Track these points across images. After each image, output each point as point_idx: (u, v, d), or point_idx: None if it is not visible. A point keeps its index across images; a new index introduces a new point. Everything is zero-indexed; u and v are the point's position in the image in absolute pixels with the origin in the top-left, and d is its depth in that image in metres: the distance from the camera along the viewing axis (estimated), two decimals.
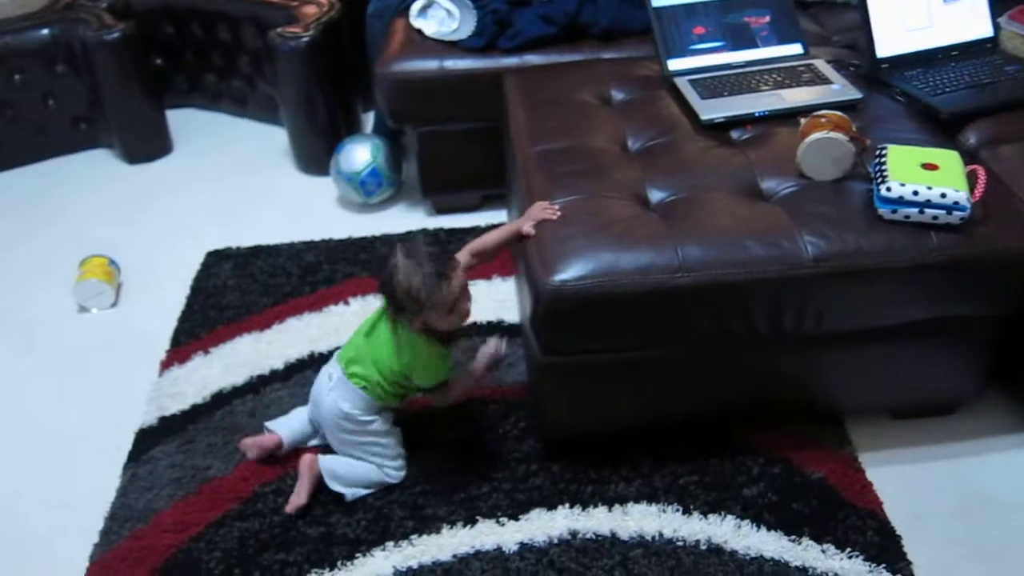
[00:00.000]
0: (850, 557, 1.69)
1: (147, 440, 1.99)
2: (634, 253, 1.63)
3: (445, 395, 1.82)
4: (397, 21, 2.59)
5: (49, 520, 1.86)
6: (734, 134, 1.98)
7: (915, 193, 1.62)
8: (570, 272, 1.60)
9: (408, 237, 2.57)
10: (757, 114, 1.99)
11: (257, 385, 2.11)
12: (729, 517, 1.76)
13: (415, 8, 2.53)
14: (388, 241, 2.56)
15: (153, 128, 3.10)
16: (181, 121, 3.25)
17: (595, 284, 1.59)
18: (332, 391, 1.80)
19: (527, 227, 1.75)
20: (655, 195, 1.81)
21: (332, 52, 2.82)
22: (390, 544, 1.74)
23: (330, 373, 1.83)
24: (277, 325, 2.29)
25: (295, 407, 2.03)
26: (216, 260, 2.53)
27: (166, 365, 2.19)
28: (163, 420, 2.03)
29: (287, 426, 1.93)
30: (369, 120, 3.00)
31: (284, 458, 1.91)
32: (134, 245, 2.64)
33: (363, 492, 1.83)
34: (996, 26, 2.25)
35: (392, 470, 1.84)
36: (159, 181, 2.99)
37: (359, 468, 1.82)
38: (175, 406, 2.07)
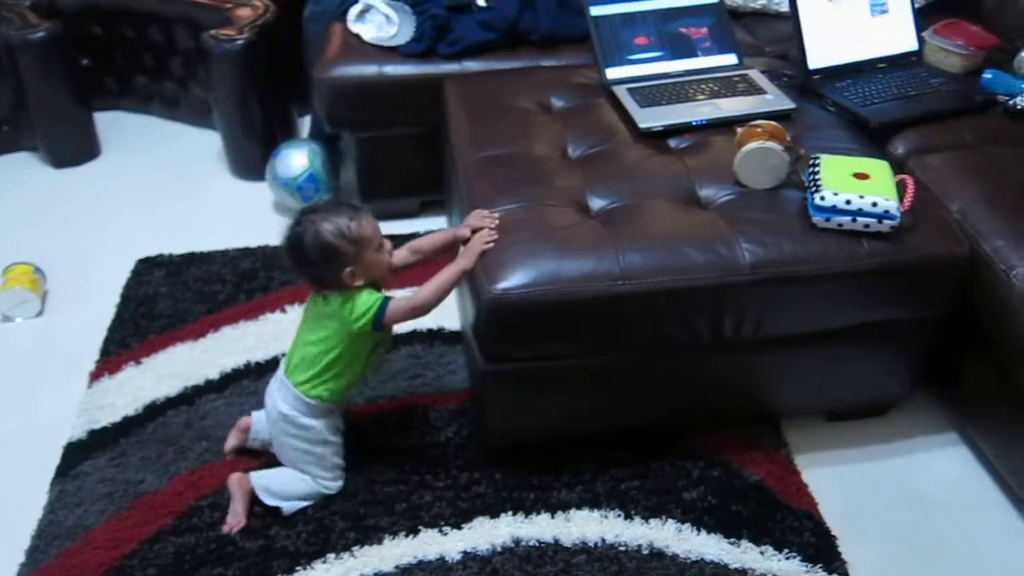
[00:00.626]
0: (787, 558, 1.72)
1: (76, 454, 1.92)
2: (576, 261, 1.63)
3: (432, 290, 1.69)
4: (335, 25, 2.56)
5: None
6: (672, 142, 2.00)
7: (848, 202, 1.67)
8: (512, 280, 1.60)
9: None
10: (695, 123, 2.02)
11: (192, 396, 2.06)
12: (670, 521, 1.78)
13: (353, 12, 2.50)
14: None
15: (80, 131, 3.00)
16: (110, 124, 3.15)
17: (537, 292, 1.60)
18: (276, 391, 1.78)
19: (464, 231, 1.76)
20: (596, 202, 1.82)
21: (268, 55, 2.77)
22: (331, 556, 1.71)
23: (276, 376, 1.81)
24: (212, 334, 2.23)
25: (232, 417, 1.99)
26: (147, 267, 2.47)
27: (96, 376, 2.12)
28: (93, 433, 1.97)
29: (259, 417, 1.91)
30: (306, 125, 2.96)
31: (222, 469, 1.87)
32: (61, 252, 2.56)
33: (300, 504, 1.80)
34: (921, 40, 2.33)
35: (327, 481, 1.80)
36: (87, 186, 2.90)
37: (293, 479, 1.79)
38: (106, 418, 2.00)
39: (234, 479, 1.79)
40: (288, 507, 1.78)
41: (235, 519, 1.76)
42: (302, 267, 1.69)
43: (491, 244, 1.69)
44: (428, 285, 1.69)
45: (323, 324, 1.71)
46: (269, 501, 1.78)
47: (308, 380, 1.73)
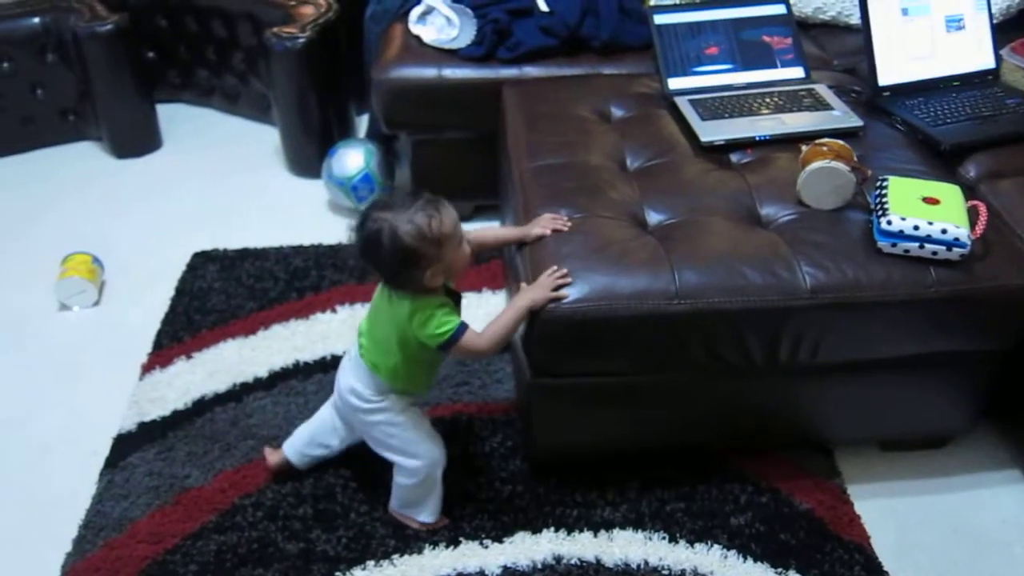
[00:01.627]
0: None
1: (125, 446, 1.94)
2: (631, 277, 1.60)
3: (499, 334, 1.57)
4: (395, 26, 2.56)
5: (21, 526, 1.81)
6: (734, 157, 1.96)
7: (916, 228, 1.61)
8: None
9: None
10: (758, 138, 1.98)
11: (240, 393, 2.07)
12: (716, 547, 1.74)
13: (414, 14, 2.50)
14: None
15: (143, 122, 3.05)
16: (171, 116, 3.20)
17: (590, 308, 1.57)
18: (346, 368, 1.70)
19: (533, 232, 1.72)
20: (653, 217, 1.79)
21: (328, 54, 2.78)
22: (371, 563, 1.70)
23: (348, 350, 1.73)
24: (262, 331, 2.25)
25: (278, 416, 2.00)
26: (202, 261, 2.49)
27: (147, 369, 2.14)
28: (142, 426, 1.99)
29: (290, 445, 1.87)
30: (363, 124, 2.97)
31: (263, 471, 1.87)
32: (119, 242, 2.59)
33: (433, 503, 1.75)
34: (998, 58, 2.25)
35: (430, 453, 1.69)
36: (147, 177, 2.94)
37: (408, 487, 1.72)
38: (155, 411, 2.02)
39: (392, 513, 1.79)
40: (427, 517, 1.76)
41: (431, 527, 1.76)
42: (376, 267, 1.55)
43: (567, 283, 1.60)
44: (495, 326, 1.58)
45: (392, 326, 1.59)
46: (414, 516, 1.76)
47: (384, 369, 1.64)
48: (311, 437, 1.85)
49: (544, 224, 1.72)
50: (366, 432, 1.73)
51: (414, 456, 1.69)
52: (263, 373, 2.12)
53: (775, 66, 2.19)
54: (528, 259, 1.69)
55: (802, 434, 1.90)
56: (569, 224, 1.71)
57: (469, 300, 2.17)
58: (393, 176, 2.74)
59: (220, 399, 2.05)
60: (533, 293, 1.60)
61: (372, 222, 1.50)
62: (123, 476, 1.88)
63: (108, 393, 2.09)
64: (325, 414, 1.84)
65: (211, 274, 2.44)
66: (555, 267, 1.62)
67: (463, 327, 1.56)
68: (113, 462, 1.91)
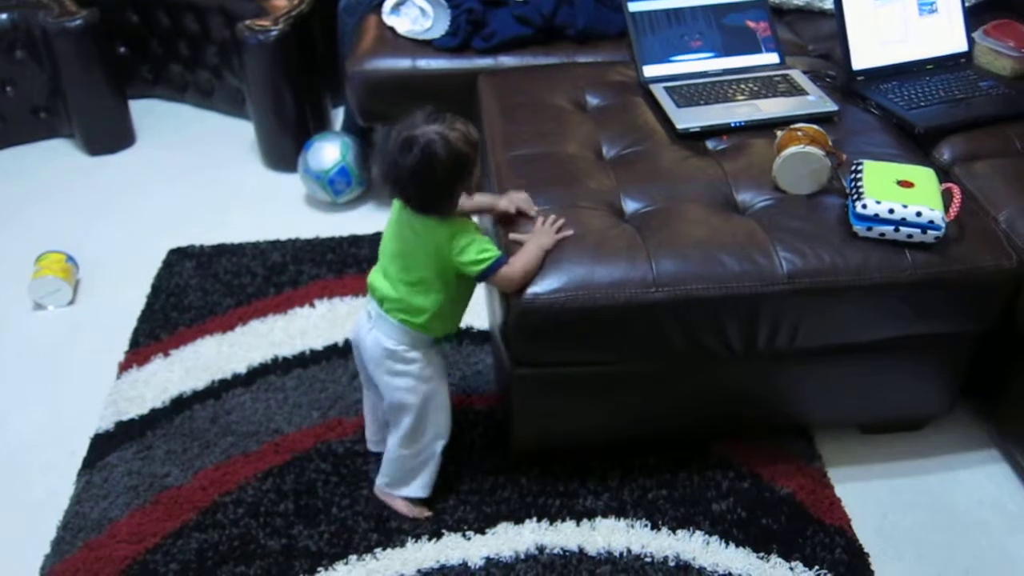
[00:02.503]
0: (818, 575, 1.68)
1: (103, 445, 1.93)
2: (608, 267, 1.60)
3: (513, 270, 1.56)
4: (369, 17, 2.54)
5: None
6: (710, 144, 1.96)
7: (891, 211, 1.61)
8: (543, 285, 1.57)
9: (377, 238, 2.51)
10: (733, 124, 1.97)
11: (218, 390, 2.05)
12: (698, 533, 1.75)
13: (388, 5, 2.48)
14: (355, 240, 2.52)
15: (115, 119, 3.01)
16: (145, 112, 3.17)
17: (568, 298, 1.56)
18: (373, 329, 1.65)
19: (502, 205, 1.71)
20: (630, 205, 1.78)
21: (301, 47, 2.76)
22: (353, 558, 1.70)
23: (368, 311, 1.67)
24: (240, 327, 2.23)
25: (258, 413, 1.99)
26: (178, 258, 2.47)
27: (124, 367, 2.12)
28: (120, 425, 1.97)
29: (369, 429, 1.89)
30: (339, 116, 2.94)
31: (246, 466, 1.86)
32: (93, 241, 2.57)
33: (426, 477, 1.75)
34: (971, 41, 2.25)
35: (429, 435, 1.70)
36: (121, 174, 2.91)
37: (405, 457, 1.72)
38: (133, 410, 2.01)
39: (378, 494, 1.80)
40: (419, 492, 1.76)
41: (415, 511, 1.77)
42: (425, 184, 1.50)
43: (563, 227, 1.65)
44: (522, 260, 1.57)
45: (428, 258, 1.56)
46: (404, 493, 1.76)
47: (419, 315, 1.60)
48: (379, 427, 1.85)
49: (512, 200, 1.72)
50: (390, 387, 1.67)
51: (424, 420, 1.68)
52: (242, 369, 2.10)
53: (742, 53, 2.18)
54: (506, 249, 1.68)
55: (782, 419, 1.91)
56: (536, 211, 1.70)
57: None
58: (370, 169, 2.72)
59: (199, 396, 2.04)
60: (539, 239, 1.61)
61: (422, 135, 1.47)
62: (102, 476, 1.86)
63: (85, 392, 2.07)
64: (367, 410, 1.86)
65: (187, 271, 2.42)
66: (545, 216, 1.66)
67: (504, 257, 1.56)
68: (91, 462, 1.89)
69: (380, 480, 1.79)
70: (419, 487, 1.75)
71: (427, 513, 1.78)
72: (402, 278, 1.60)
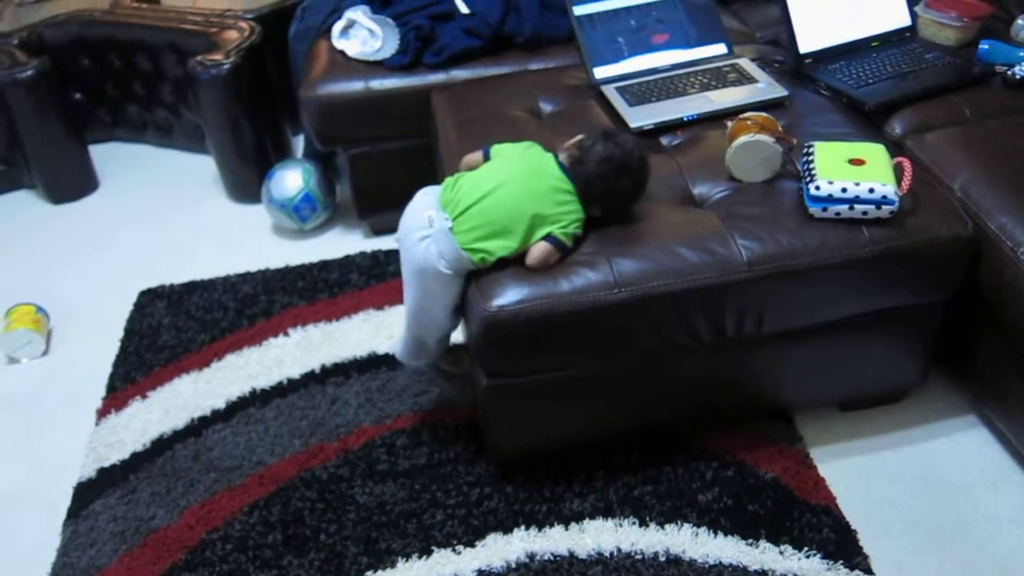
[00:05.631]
0: (808, 556, 1.69)
1: (87, 494, 1.92)
2: (570, 272, 1.60)
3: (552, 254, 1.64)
4: (319, 43, 2.54)
5: None
6: (664, 140, 1.97)
7: (843, 190, 1.63)
8: (507, 296, 1.58)
9: (346, 261, 2.52)
10: (686, 118, 1.99)
11: (199, 427, 2.05)
12: (686, 525, 1.75)
13: (336, 29, 2.48)
14: (325, 265, 2.52)
15: (77, 165, 3.00)
16: (106, 155, 3.16)
17: (533, 307, 1.57)
18: (430, 240, 1.64)
19: None
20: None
21: (256, 77, 2.76)
22: None
23: (430, 217, 1.65)
24: (216, 362, 2.23)
25: (240, 447, 1.98)
26: (150, 299, 2.46)
27: (103, 413, 2.11)
28: (102, 471, 1.96)
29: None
30: (300, 144, 2.95)
31: (231, 501, 1.86)
32: (63, 289, 2.56)
33: (408, 348, 1.90)
34: (913, 15, 2.28)
35: (447, 324, 1.80)
36: (86, 220, 2.90)
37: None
38: (114, 456, 2.00)
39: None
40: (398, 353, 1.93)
41: (456, 368, 2.01)
42: (639, 185, 1.70)
43: None
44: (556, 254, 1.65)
45: (551, 199, 1.64)
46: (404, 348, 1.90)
47: (486, 250, 1.62)
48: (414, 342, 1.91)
49: None
50: (429, 292, 1.71)
51: (440, 308, 1.74)
52: (220, 405, 2.10)
53: (690, 46, 2.19)
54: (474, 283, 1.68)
55: (761, 404, 1.92)
56: None
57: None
58: (334, 193, 2.73)
59: (179, 435, 2.03)
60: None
61: (630, 144, 1.68)
62: (87, 524, 1.85)
63: (65, 442, 2.06)
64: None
65: (159, 311, 2.41)
66: None
67: (569, 250, 1.65)
68: (76, 511, 1.88)
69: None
70: (399, 350, 1.92)
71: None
72: (508, 211, 1.63)
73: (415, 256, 1.68)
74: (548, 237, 1.62)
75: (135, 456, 1.99)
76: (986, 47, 2.18)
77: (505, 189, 1.64)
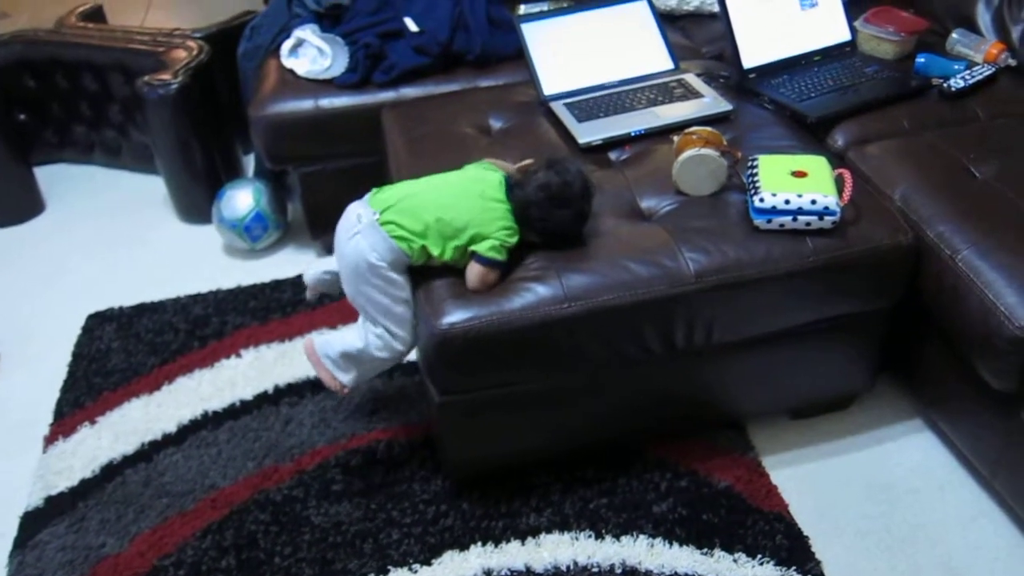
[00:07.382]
0: (761, 563, 1.71)
1: (34, 523, 1.88)
2: (520, 288, 1.61)
3: (490, 277, 1.64)
4: (269, 61, 2.53)
5: None
6: (612, 155, 1.99)
7: (787, 202, 1.66)
8: (458, 314, 1.58)
9: (299, 280, 2.51)
10: (633, 133, 2.02)
11: (149, 452, 2.02)
12: (641, 537, 1.77)
13: (286, 48, 2.47)
14: (277, 284, 2.50)
15: (21, 188, 2.94)
16: (52, 177, 3.11)
17: (483, 324, 1.57)
18: (359, 235, 1.65)
19: None
20: None
21: (205, 96, 2.74)
22: None
23: (359, 214, 1.67)
24: (167, 386, 2.20)
25: (192, 471, 1.96)
26: (98, 323, 2.42)
27: (50, 440, 2.07)
28: (50, 500, 1.92)
29: (312, 270, 1.96)
30: (251, 162, 2.93)
31: (184, 526, 1.83)
32: (8, 315, 2.51)
33: (366, 375, 1.85)
34: (853, 30, 2.34)
35: (402, 337, 1.73)
36: (32, 243, 2.84)
37: (360, 347, 1.77)
38: (62, 483, 1.96)
39: (307, 349, 1.86)
40: (348, 380, 1.84)
41: (335, 385, 1.85)
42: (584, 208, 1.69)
43: None
44: (492, 276, 1.66)
45: (477, 204, 1.65)
46: (331, 369, 1.84)
47: (411, 235, 1.64)
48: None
49: None
50: (371, 295, 1.70)
51: (402, 329, 1.73)
52: (171, 428, 2.07)
53: (636, 62, 2.22)
54: (422, 290, 1.68)
55: (713, 414, 1.94)
56: None
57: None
58: (286, 211, 2.72)
59: (129, 461, 2.00)
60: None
61: (578, 174, 1.68)
62: (34, 555, 1.81)
63: (11, 471, 2.01)
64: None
65: (108, 334, 2.37)
66: None
67: (504, 265, 1.65)
68: (22, 542, 1.84)
69: (326, 350, 1.84)
70: (352, 379, 1.84)
71: (345, 390, 1.86)
72: (446, 209, 1.65)
73: (347, 255, 1.69)
74: (475, 256, 1.63)
75: (84, 483, 1.96)
76: (923, 60, 2.24)
77: (434, 186, 1.72)
